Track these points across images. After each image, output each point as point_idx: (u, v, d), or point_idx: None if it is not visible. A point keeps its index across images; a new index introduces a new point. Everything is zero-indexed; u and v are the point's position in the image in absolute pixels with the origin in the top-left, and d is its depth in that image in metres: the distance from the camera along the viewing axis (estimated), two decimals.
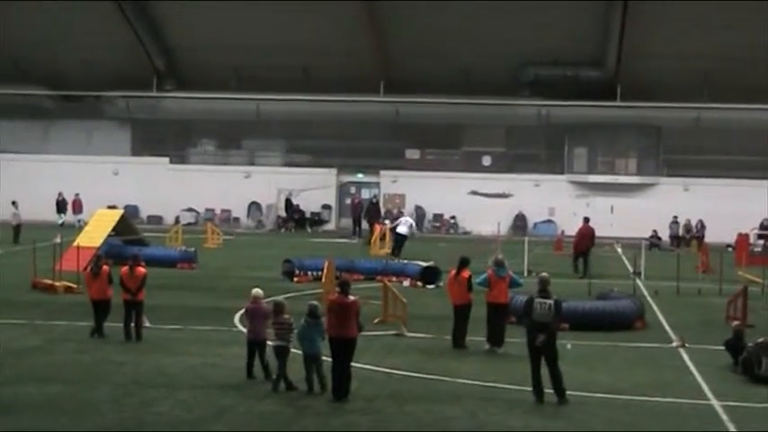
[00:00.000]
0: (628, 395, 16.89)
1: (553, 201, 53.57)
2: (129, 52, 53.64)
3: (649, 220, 49.10)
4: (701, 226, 49.75)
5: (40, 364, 18.44)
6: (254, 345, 17.29)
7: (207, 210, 55.10)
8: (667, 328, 23.68)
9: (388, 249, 40.11)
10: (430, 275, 30.42)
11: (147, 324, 21.27)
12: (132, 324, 20.62)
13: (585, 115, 53.70)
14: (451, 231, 54.11)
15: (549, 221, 53.16)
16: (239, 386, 16.88)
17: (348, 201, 54.90)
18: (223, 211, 55.58)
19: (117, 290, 21.02)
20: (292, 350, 16.72)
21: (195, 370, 18.12)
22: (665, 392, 17.11)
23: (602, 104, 52.86)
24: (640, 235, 44.22)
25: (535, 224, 53.68)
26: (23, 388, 16.42)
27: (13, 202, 44.55)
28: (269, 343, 17.14)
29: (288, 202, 54.54)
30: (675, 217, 50.51)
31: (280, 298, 18.28)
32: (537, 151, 56.16)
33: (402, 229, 37.92)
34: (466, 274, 20.88)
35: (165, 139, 57.51)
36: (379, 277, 28.73)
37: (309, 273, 30.64)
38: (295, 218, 54.31)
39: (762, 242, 44.27)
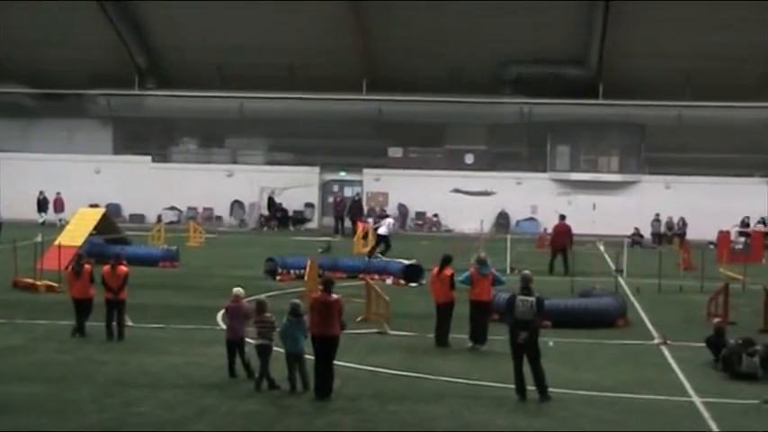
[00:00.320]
0: (610, 392, 16.93)
1: (536, 199, 53.65)
2: (110, 50, 53.47)
3: (631, 218, 49.27)
4: (683, 223, 49.97)
5: (21, 364, 18.36)
6: (233, 344, 17.27)
7: (189, 208, 54.98)
8: (649, 325, 23.75)
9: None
10: (412, 273, 30.43)
11: (129, 323, 21.20)
12: (114, 323, 20.56)
13: (568, 113, 53.81)
14: (434, 229, 54.15)
15: (532, 219, 53.25)
16: (222, 385, 16.84)
17: (331, 199, 54.87)
18: (205, 209, 55.45)
19: (99, 289, 20.95)
20: (275, 349, 16.70)
21: (178, 369, 18.07)
22: (646, 389, 17.16)
23: (585, 103, 52.99)
24: (622, 232, 44.36)
25: (518, 222, 53.78)
26: (4, 387, 16.34)
27: None
28: (251, 342, 17.11)
29: (270, 200, 54.45)
30: (657, 214, 50.72)
31: (262, 296, 18.27)
32: (519, 149, 56.28)
33: (382, 230, 37.98)
34: (448, 272, 20.90)
35: (147, 138, 57.36)
36: (361, 275, 28.69)
37: (292, 271, 30.62)
38: (278, 216, 54.24)
39: (743, 239, 44.45)
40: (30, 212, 51.04)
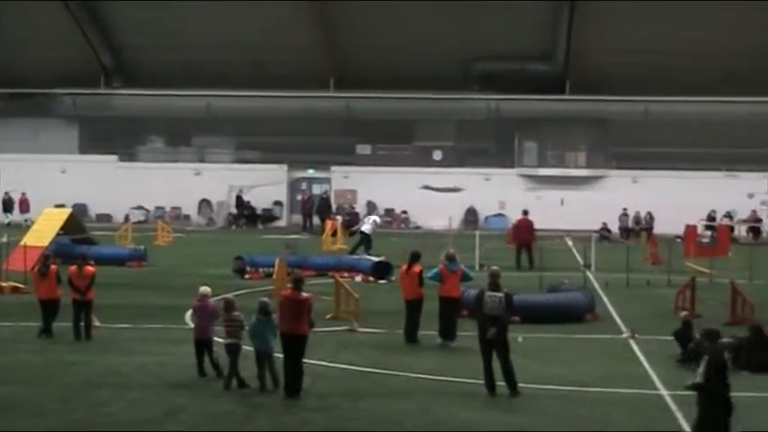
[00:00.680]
0: (579, 386, 17.00)
1: (504, 194, 53.77)
2: (75, 49, 53.16)
3: (599, 213, 49.47)
4: (650, 218, 50.24)
5: None
6: (202, 343, 17.20)
7: (157, 207, 54.73)
8: (617, 319, 23.87)
9: (341, 245, 40.16)
10: (382, 270, 30.44)
11: (96, 323, 21.07)
12: (82, 324, 20.42)
13: (535, 109, 53.99)
14: (403, 226, 54.18)
15: (500, 215, 53.34)
16: (191, 385, 16.77)
17: (299, 197, 54.76)
18: (173, 208, 55.21)
19: (66, 289, 20.79)
20: (244, 347, 16.65)
21: (146, 369, 17.97)
22: (615, 383, 17.25)
23: (552, 98, 53.20)
24: (590, 227, 44.58)
25: (486, 218, 53.90)
26: None
27: None
28: (220, 341, 17.04)
29: (239, 198, 54.30)
30: (625, 209, 50.98)
31: (230, 295, 18.21)
32: (487, 145, 56.44)
33: (366, 228, 38.01)
34: (417, 268, 20.92)
35: (113, 137, 56.95)
36: (330, 273, 28.66)
37: (261, 269, 30.53)
38: (246, 215, 54.09)
39: (709, 233, 44.77)
40: None
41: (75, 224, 35.46)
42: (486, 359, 16.31)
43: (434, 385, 17.12)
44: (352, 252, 35.85)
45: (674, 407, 15.72)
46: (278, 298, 17.55)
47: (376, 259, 31.31)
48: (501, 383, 16.21)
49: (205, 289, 17.69)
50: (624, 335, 21.83)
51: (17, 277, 27.37)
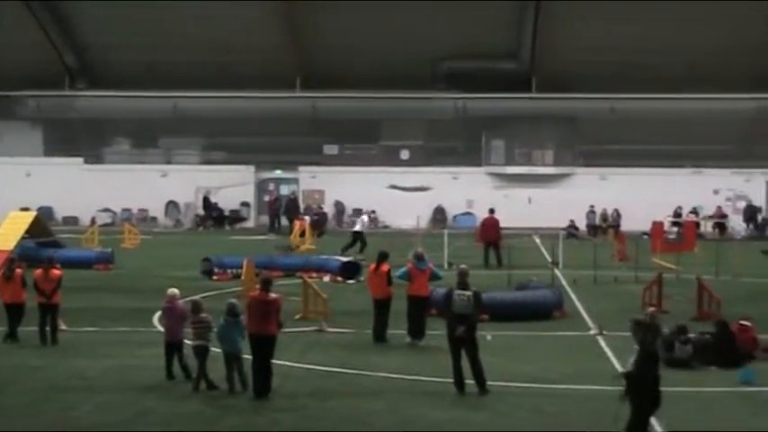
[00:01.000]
0: (548, 384, 17.06)
1: (472, 193, 53.78)
2: (38, 51, 52.69)
3: (566, 210, 49.61)
4: (617, 215, 50.48)
5: None
6: (172, 345, 17.11)
7: (124, 210, 54.36)
8: (585, 316, 23.96)
9: (309, 245, 40.10)
10: (350, 270, 30.41)
11: (63, 327, 20.91)
12: (48, 328, 20.26)
13: (502, 107, 54.07)
14: (371, 226, 54.04)
15: (469, 214, 53.38)
16: (159, 387, 16.69)
17: (266, 197, 54.60)
18: (140, 210, 54.87)
19: (31, 293, 20.60)
20: (212, 349, 16.57)
21: (114, 372, 17.86)
22: (584, 380, 17.31)
23: (518, 96, 53.30)
24: (558, 225, 44.71)
25: (455, 217, 53.93)
26: None
27: None
28: (188, 342, 16.97)
29: (206, 200, 54.08)
30: (592, 206, 51.21)
31: (197, 297, 18.14)
32: (455, 144, 56.46)
33: (357, 227, 37.99)
34: (385, 267, 20.94)
35: (78, 139, 56.54)
36: (299, 273, 28.60)
37: (229, 271, 30.41)
38: (213, 216, 53.88)
39: (676, 229, 45.00)
40: None
41: (41, 227, 35.16)
42: (454, 358, 16.32)
43: (403, 384, 17.13)
44: (344, 251, 35.79)
45: None
46: (246, 299, 17.49)
47: (344, 259, 31.27)
48: (470, 382, 16.24)
49: (173, 291, 17.60)
50: (592, 331, 21.92)
51: None
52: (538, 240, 41.81)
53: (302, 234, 40.99)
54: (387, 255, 21.34)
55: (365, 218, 40.44)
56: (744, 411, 15.60)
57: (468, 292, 16.39)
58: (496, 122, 54.65)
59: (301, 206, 52.49)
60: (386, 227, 53.54)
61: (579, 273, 31.20)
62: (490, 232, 35.35)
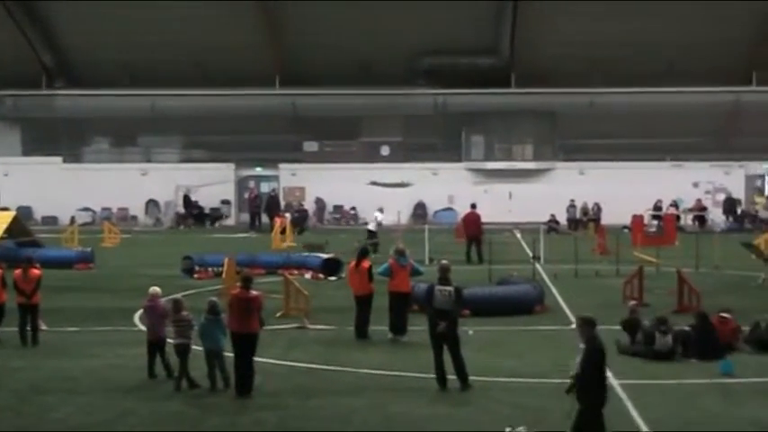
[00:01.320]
0: (530, 378, 17.09)
1: (452, 189, 53.81)
2: (15, 50, 52.43)
3: (547, 205, 49.73)
4: (598, 209, 50.65)
5: None
6: (154, 344, 17.07)
7: (103, 209, 54.18)
8: (567, 310, 24.01)
9: (290, 242, 40.05)
10: (331, 267, 30.40)
11: (43, 327, 20.81)
12: (28, 328, 20.16)
13: (481, 103, 54.13)
14: (352, 222, 54.11)
15: (449, 209, 53.45)
16: (141, 387, 16.65)
17: (246, 195, 54.50)
18: (120, 209, 54.71)
19: (11, 294, 20.50)
20: (194, 347, 16.54)
21: (96, 372, 17.80)
22: (566, 374, 17.27)
23: (498, 92, 53.36)
24: (538, 219, 44.78)
25: (435, 212, 53.99)
26: None
27: None
28: (170, 341, 16.93)
29: (186, 198, 53.95)
30: (572, 201, 51.35)
31: (178, 295, 18.09)
32: (434, 140, 56.49)
33: (371, 226, 37.98)
34: (366, 264, 20.94)
35: (57, 139, 56.24)
36: (280, 271, 28.57)
37: (210, 269, 30.36)
38: (194, 214, 53.76)
39: (656, 223, 45.19)
40: None
41: (20, 227, 34.98)
42: (436, 353, 16.34)
43: (386, 381, 17.14)
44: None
45: (623, 395, 15.86)
46: (227, 297, 17.46)
47: (325, 256, 31.26)
48: (452, 377, 16.26)
49: (155, 289, 17.55)
50: (573, 325, 21.90)
51: None
52: (519, 235, 41.88)
53: (283, 231, 40.92)
54: (367, 251, 21.40)
55: (378, 215, 40.22)
56: (724, 403, 15.67)
57: (450, 288, 16.40)
58: (476, 118, 54.72)
59: (282, 203, 52.42)
60: (366, 223, 53.49)
61: (560, 267, 31.31)
62: (472, 228, 35.41)
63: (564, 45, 50.93)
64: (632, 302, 21.96)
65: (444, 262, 17.37)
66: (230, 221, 54.54)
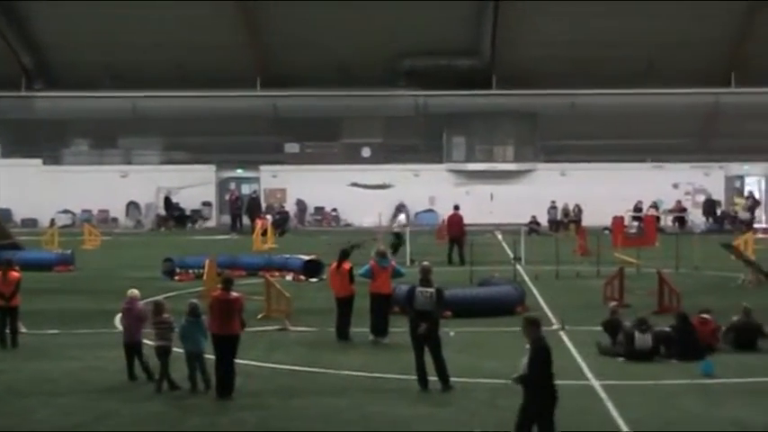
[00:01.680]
0: (511, 379, 17.05)
1: (433, 190, 53.92)
2: None
3: (528, 206, 49.85)
4: (579, 210, 50.77)
5: None
6: (131, 346, 17.01)
7: (84, 211, 54.01)
8: (548, 311, 24.01)
9: (271, 244, 40.01)
10: (312, 269, 30.37)
11: (23, 330, 20.69)
12: (7, 331, 20.04)
13: (463, 104, 54.25)
14: (333, 224, 54.11)
15: (430, 211, 53.49)
16: (122, 389, 16.58)
17: (227, 197, 54.39)
18: (100, 211, 54.56)
19: None
20: (174, 349, 16.49)
21: (76, 374, 17.73)
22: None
23: (479, 93, 53.50)
24: (520, 221, 44.82)
25: (416, 214, 54.01)
26: None
27: None
28: (150, 343, 16.87)
29: (167, 200, 53.81)
30: (553, 202, 51.46)
31: (159, 298, 18.03)
32: (416, 141, 56.54)
33: (396, 229, 37.94)
34: (347, 266, 20.93)
35: (36, 140, 56.04)
36: (261, 273, 28.52)
37: (191, 271, 30.27)
38: (174, 216, 53.62)
39: (636, 224, 45.34)
40: None
41: None
42: (417, 355, 16.33)
43: (367, 382, 17.12)
44: (393, 253, 35.48)
45: (603, 395, 15.91)
46: (208, 299, 17.41)
47: (306, 258, 31.22)
48: (433, 378, 16.26)
49: (133, 292, 17.47)
50: (554, 327, 21.98)
51: None
52: (500, 236, 41.94)
53: (264, 233, 40.87)
54: (348, 253, 21.35)
55: (402, 217, 40.08)
56: (704, 403, 15.72)
57: (431, 289, 16.40)
58: (457, 119, 54.82)
59: (263, 205, 52.35)
60: (348, 225, 53.55)
61: (541, 268, 31.35)
62: (454, 229, 35.45)
63: (544, 46, 51.07)
64: (613, 303, 22.00)
65: (425, 263, 17.36)
66: (211, 223, 54.43)
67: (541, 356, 11.92)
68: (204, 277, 25.63)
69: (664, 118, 53.15)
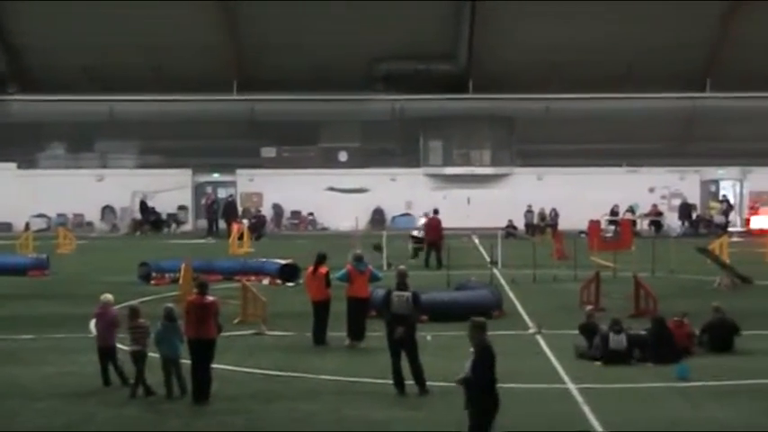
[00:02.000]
0: None
1: (410, 194, 53.94)
2: None
3: (505, 210, 49.94)
4: (555, 214, 50.91)
5: None
6: (104, 351, 16.90)
7: (59, 215, 53.70)
8: (524, 315, 24.08)
9: (247, 248, 39.90)
10: (289, 273, 30.30)
11: None
12: None
13: (439, 108, 54.26)
14: (310, 228, 54.03)
15: (407, 215, 53.47)
16: (97, 393, 16.49)
17: (203, 201, 54.20)
18: (76, 215, 54.26)
19: None
20: (150, 354, 16.40)
21: (51, 379, 17.62)
22: (523, 378, 17.37)
23: (455, 97, 53.53)
24: (496, 225, 44.94)
25: (393, 218, 53.99)
26: None
27: None
28: (125, 348, 16.77)
29: (143, 204, 53.58)
30: (530, 206, 51.56)
31: (135, 302, 17.93)
32: (393, 145, 56.56)
33: (415, 232, 37.87)
34: (323, 270, 20.89)
35: (11, 144, 55.60)
36: (237, 277, 28.45)
37: (167, 275, 30.15)
38: (150, 220, 53.40)
39: (612, 228, 45.58)
40: None
41: None
42: (394, 358, 16.33)
43: (344, 386, 17.09)
44: (414, 258, 35.37)
45: (580, 399, 15.94)
46: (184, 303, 17.33)
47: (282, 262, 31.15)
48: (410, 382, 16.24)
49: (106, 296, 17.36)
50: (531, 330, 22.04)
51: None
52: (477, 240, 41.97)
53: (240, 237, 40.76)
54: (325, 257, 21.29)
55: (424, 221, 40.04)
56: (680, 406, 15.78)
57: (407, 293, 16.40)
58: (434, 123, 54.84)
59: (239, 209, 52.20)
60: (324, 229, 53.49)
61: (518, 272, 31.40)
62: (433, 233, 35.43)
63: (521, 50, 51.20)
64: (589, 307, 22.05)
65: (402, 267, 17.36)
66: (187, 227, 54.24)
67: (485, 360, 11.93)
68: (180, 281, 25.52)
69: (640, 122, 53.38)
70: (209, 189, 55.36)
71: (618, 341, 18.56)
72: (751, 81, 50.56)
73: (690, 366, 17.70)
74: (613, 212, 48.55)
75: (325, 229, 53.57)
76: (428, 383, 16.26)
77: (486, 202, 52.32)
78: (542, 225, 50.15)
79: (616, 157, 53.83)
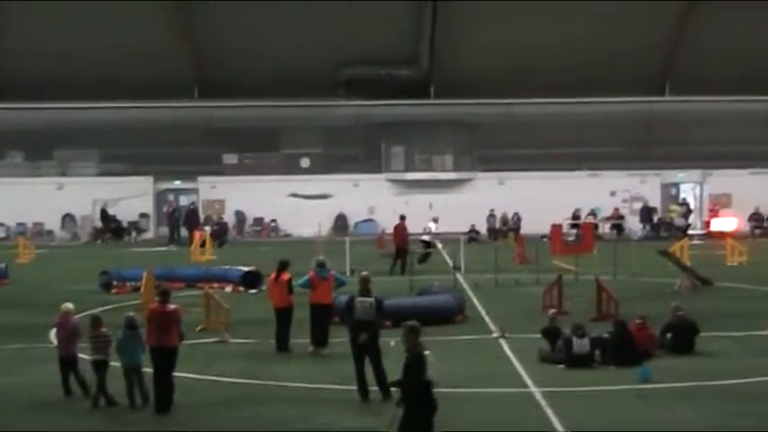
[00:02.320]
0: (450, 388, 17.02)
1: (373, 200, 53.92)
2: None
3: (467, 215, 50.03)
4: (517, 218, 51.09)
5: None
6: (65, 361, 16.73)
7: (18, 224, 53.20)
8: (487, 319, 24.12)
9: (209, 256, 39.73)
10: (251, 280, 30.19)
11: None
12: None
13: (401, 114, 54.25)
14: (273, 235, 53.87)
15: (370, 220, 53.47)
16: (57, 404, 16.34)
17: (165, 208, 53.91)
18: (35, 224, 53.78)
19: None
20: (111, 363, 16.26)
21: (9, 390, 17.44)
22: (486, 383, 17.42)
23: (417, 103, 53.57)
24: (459, 230, 44.95)
25: (356, 223, 53.95)
26: None
27: None
28: (86, 357, 16.62)
29: (103, 212, 53.20)
30: (492, 210, 51.72)
31: (96, 311, 17.79)
32: (355, 151, 56.51)
33: (425, 237, 37.69)
34: (286, 276, 20.83)
35: None
36: (200, 284, 28.30)
37: (129, 283, 29.93)
38: (111, 228, 53.02)
39: (574, 231, 45.68)
40: None
41: None
42: (358, 365, 16.30)
43: (307, 393, 17.04)
44: (421, 263, 35.25)
45: (543, 402, 15.98)
46: (146, 312, 17.21)
47: (245, 269, 31.04)
48: (374, 388, 16.21)
49: (67, 306, 17.19)
50: (494, 334, 22.08)
51: None
52: (439, 245, 42.00)
53: (202, 245, 40.57)
54: (287, 263, 21.24)
55: (432, 225, 39.85)
56: (642, 408, 15.87)
57: (371, 299, 16.38)
58: (396, 129, 54.83)
59: (201, 216, 51.96)
60: (287, 235, 53.36)
61: (481, 277, 31.47)
62: (398, 239, 35.42)
63: (482, 55, 51.32)
64: (552, 311, 22.13)
65: (364, 273, 17.34)
66: (149, 235, 53.90)
67: (416, 364, 11.94)
68: (142, 290, 25.34)
69: (600, 126, 53.63)
70: (170, 196, 55.04)
71: (581, 345, 18.63)
72: (710, 85, 50.94)
73: (652, 368, 17.81)
74: (575, 216, 48.73)
75: (288, 235, 53.44)
76: (392, 389, 16.22)
77: (449, 206, 52.20)
78: (505, 229, 50.31)
79: (577, 161, 54.10)
